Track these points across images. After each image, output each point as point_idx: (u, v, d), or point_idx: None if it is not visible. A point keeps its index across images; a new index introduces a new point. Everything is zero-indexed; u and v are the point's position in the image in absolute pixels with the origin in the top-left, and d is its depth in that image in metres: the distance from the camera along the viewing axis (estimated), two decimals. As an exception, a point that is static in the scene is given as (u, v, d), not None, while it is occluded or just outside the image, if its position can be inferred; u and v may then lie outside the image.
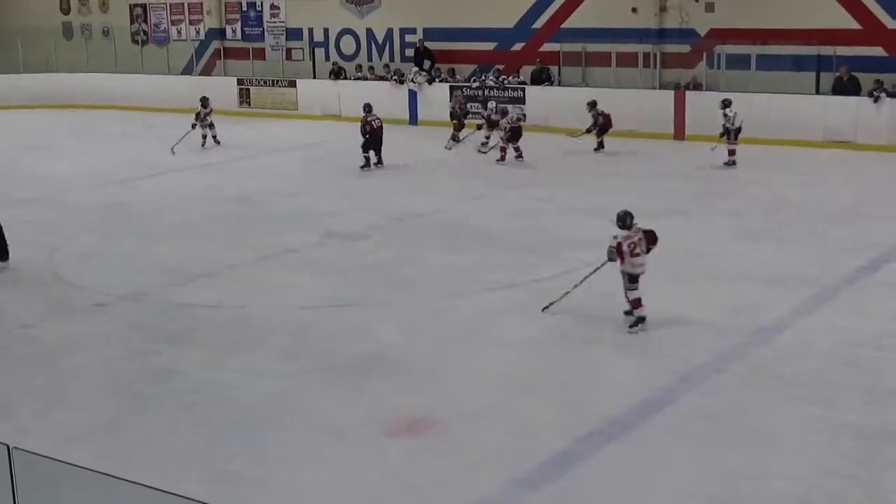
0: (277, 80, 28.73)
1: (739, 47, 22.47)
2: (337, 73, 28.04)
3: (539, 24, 25.78)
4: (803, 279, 12.10)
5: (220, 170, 20.45)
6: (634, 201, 16.14)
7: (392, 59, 28.17)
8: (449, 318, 11.20)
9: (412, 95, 26.09)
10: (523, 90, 24.52)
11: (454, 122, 22.61)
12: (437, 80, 26.07)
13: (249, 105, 28.96)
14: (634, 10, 24.19)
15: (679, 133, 22.43)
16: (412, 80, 26.18)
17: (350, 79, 27.85)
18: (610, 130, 21.00)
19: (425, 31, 27.53)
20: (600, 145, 21.10)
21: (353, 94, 27.11)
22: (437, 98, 25.18)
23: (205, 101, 23.38)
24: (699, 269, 12.64)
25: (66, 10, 34.16)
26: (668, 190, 17.31)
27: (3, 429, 8.02)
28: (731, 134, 19.37)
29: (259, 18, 30.57)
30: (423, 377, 9.51)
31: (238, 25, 31.09)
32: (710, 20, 23.35)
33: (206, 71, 31.56)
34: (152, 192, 18.42)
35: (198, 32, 31.79)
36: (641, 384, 9.13)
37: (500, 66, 25.81)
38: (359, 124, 20.34)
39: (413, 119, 26.04)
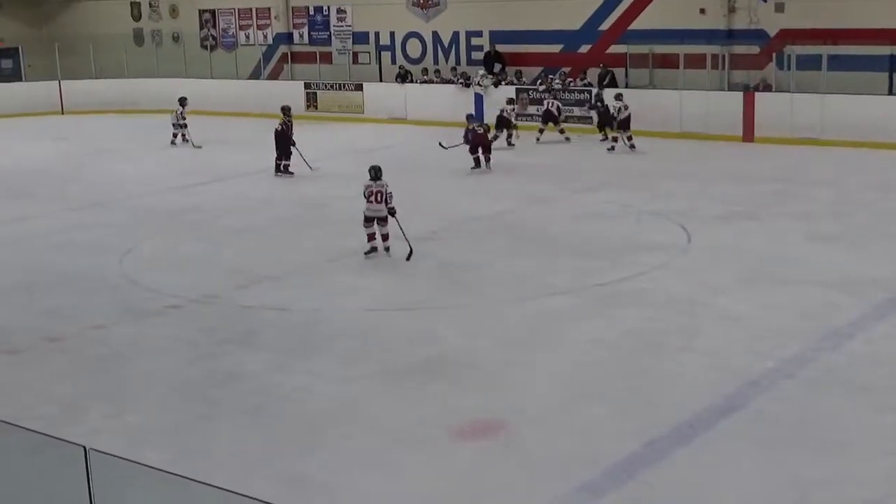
0: (344, 84, 28.93)
1: (810, 48, 22.12)
2: (403, 77, 28.15)
3: (605, 25, 25.66)
4: (875, 283, 11.88)
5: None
6: (703, 204, 16.14)
7: (458, 62, 28.19)
8: (513, 321, 11.18)
9: (478, 98, 26.10)
10: (590, 92, 24.41)
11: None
12: (503, 83, 26.05)
13: (316, 109, 29.19)
14: (703, 10, 23.98)
15: (748, 135, 22.18)
16: (478, 84, 26.19)
17: (416, 82, 27.95)
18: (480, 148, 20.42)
19: (491, 33, 27.53)
20: (476, 162, 20.21)
21: (419, 98, 27.26)
22: (503, 101, 25.15)
23: (183, 101, 24.42)
24: (768, 273, 12.48)
25: (137, 17, 34.68)
26: (737, 192, 17.13)
27: (75, 430, 8.13)
28: (615, 123, 21.54)
29: (326, 22, 30.79)
30: (488, 380, 9.49)
31: (305, 30, 31.33)
32: (780, 20, 23.07)
33: (274, 75, 31.84)
34: (219, 195, 18.62)
35: (265, 37, 32.09)
36: (709, 389, 9.02)
37: (567, 69, 25.73)
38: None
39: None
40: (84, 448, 5.05)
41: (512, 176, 19.80)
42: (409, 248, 13.49)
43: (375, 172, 13.86)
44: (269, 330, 11.12)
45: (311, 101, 29.37)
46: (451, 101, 26.49)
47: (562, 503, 7.21)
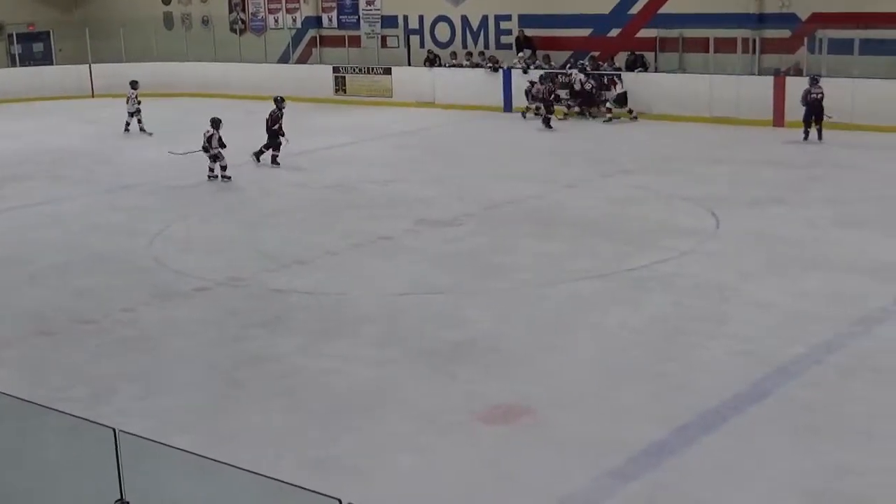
0: (372, 68, 28.91)
1: (842, 31, 21.92)
2: (432, 61, 28.10)
3: (635, 9, 25.52)
4: (907, 269, 11.81)
5: (315, 157, 20.64)
6: (732, 189, 16.06)
7: (487, 45, 28.12)
8: (542, 305, 11.16)
9: (507, 81, 26.05)
10: (619, 76, 24.30)
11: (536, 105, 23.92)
12: (531, 67, 25.97)
13: (345, 93, 29.20)
14: (733, -7, 23.82)
15: (779, 119, 22.01)
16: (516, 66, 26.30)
17: (445, 66, 27.89)
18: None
19: (520, 17, 27.43)
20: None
21: (447, 82, 27.22)
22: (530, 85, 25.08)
23: (134, 84, 24.25)
24: (798, 258, 12.41)
25: (166, 1, 34.80)
26: (767, 177, 17.04)
27: (104, 411, 8.21)
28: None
29: (355, 6, 30.76)
30: (516, 365, 9.49)
31: (334, 13, 31.33)
32: (811, 4, 22.86)
33: (303, 59, 31.88)
34: (249, 179, 18.67)
35: (294, 21, 32.12)
36: (738, 375, 8.98)
37: (595, 53, 25.61)
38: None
39: (507, 106, 26.00)
40: (114, 430, 5.08)
41: (541, 160, 19.75)
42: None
43: (217, 123, 18.51)
44: (297, 313, 11.16)
45: (340, 85, 29.38)
46: (479, 85, 26.47)
47: (590, 488, 7.21)
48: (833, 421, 8.08)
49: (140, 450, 5.10)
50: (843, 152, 19.04)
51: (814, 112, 20.09)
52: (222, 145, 18.46)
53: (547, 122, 23.11)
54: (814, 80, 20.27)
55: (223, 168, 18.57)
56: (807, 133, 20.26)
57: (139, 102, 24.31)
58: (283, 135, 19.65)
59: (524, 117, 24.40)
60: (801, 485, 7.12)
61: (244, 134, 20.87)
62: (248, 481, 4.72)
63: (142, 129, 24.24)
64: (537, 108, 23.98)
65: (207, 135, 18.45)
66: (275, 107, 19.89)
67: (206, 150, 18.57)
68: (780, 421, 8.11)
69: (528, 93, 24.49)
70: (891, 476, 7.19)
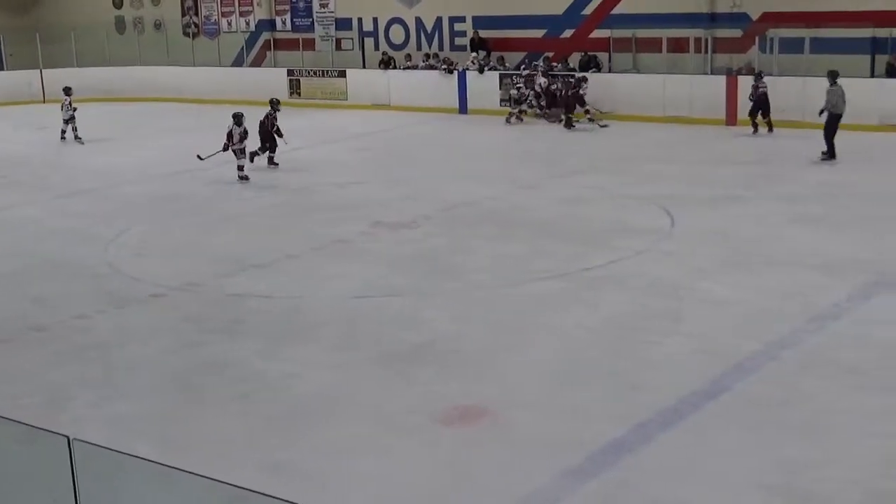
0: (327, 71, 28.86)
1: (792, 31, 22.19)
2: (386, 63, 28.08)
3: (588, 10, 25.67)
4: (859, 265, 11.93)
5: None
6: (686, 187, 16.17)
7: (441, 47, 28.15)
8: (500, 307, 11.17)
9: (462, 84, 26.09)
10: (573, 77, 24.39)
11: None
12: (486, 68, 26.02)
13: (300, 96, 29.11)
14: (686, -6, 24.01)
15: (731, 118, 22.21)
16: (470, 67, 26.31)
17: (399, 68, 27.89)
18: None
19: (474, 19, 27.49)
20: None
21: (402, 84, 27.22)
22: (486, 87, 25.14)
23: (67, 91, 23.61)
24: (753, 256, 12.51)
25: (118, 4, 34.56)
26: (721, 175, 17.18)
27: (59, 419, 8.12)
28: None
29: (308, 9, 30.69)
30: (475, 366, 9.50)
31: (288, 16, 31.24)
32: (762, 4, 23.12)
33: (257, 62, 31.77)
34: (205, 183, 18.55)
35: (248, 24, 32.01)
36: (694, 372, 9.04)
37: (549, 54, 25.71)
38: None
39: (463, 108, 26.04)
40: (67, 438, 5.02)
41: (498, 161, 19.81)
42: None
43: (241, 117, 18.31)
44: (254, 317, 11.09)
45: (295, 88, 29.30)
46: (435, 87, 26.49)
47: (549, 487, 7.22)
48: (790, 417, 8.14)
49: (95, 458, 5.04)
50: (795, 150, 19.23)
51: (760, 106, 20.59)
52: (242, 140, 18.32)
53: (569, 123, 22.85)
54: (758, 76, 20.79)
55: (239, 168, 18.46)
56: (755, 126, 20.64)
57: (74, 109, 23.65)
58: (281, 135, 19.55)
59: (510, 122, 24.13)
60: (760, 480, 7.16)
61: (195, 138, 20.74)
62: (207, 487, 4.67)
63: (76, 137, 23.63)
64: (520, 112, 23.95)
65: (227, 131, 18.34)
66: (270, 109, 19.76)
67: (225, 148, 18.46)
68: (738, 417, 8.16)
69: (511, 98, 24.36)
70: (848, 471, 7.25)
